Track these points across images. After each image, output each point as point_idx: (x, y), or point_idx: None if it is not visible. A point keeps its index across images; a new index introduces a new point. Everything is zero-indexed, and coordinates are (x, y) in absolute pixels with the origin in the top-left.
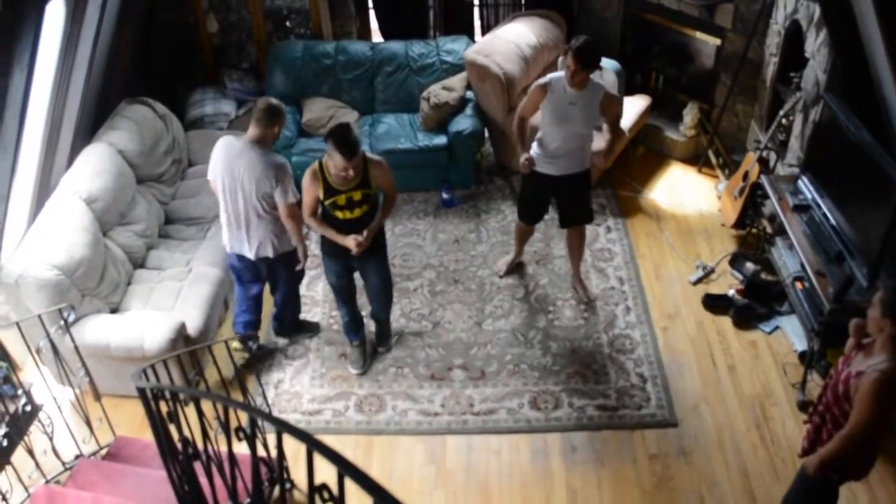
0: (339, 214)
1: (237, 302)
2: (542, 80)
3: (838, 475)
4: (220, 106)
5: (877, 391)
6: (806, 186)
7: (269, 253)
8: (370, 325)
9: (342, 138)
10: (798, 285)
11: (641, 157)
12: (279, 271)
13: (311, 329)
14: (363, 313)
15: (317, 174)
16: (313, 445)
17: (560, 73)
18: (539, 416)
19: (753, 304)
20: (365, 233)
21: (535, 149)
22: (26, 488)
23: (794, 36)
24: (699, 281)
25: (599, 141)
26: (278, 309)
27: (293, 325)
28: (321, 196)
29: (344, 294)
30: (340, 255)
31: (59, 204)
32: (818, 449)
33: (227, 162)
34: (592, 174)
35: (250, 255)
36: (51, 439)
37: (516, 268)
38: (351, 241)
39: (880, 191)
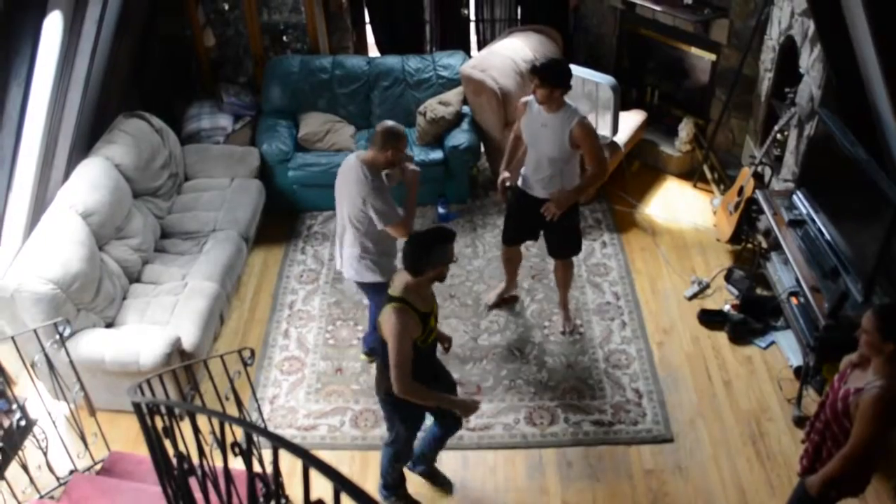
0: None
1: (369, 320)
2: (526, 98)
3: (836, 492)
4: (216, 120)
5: (877, 408)
6: (801, 201)
7: (348, 274)
8: None
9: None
10: (793, 300)
11: (637, 172)
12: (369, 297)
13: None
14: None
15: (408, 311)
16: (309, 461)
17: None
18: (535, 432)
19: (749, 320)
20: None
21: (524, 168)
22: (20, 503)
23: (788, 51)
24: (694, 296)
25: None
26: (368, 331)
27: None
28: (420, 335)
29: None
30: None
31: (55, 218)
32: (818, 468)
33: (339, 176)
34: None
35: (343, 270)
36: (45, 454)
37: (507, 301)
38: (474, 404)
39: (875, 206)
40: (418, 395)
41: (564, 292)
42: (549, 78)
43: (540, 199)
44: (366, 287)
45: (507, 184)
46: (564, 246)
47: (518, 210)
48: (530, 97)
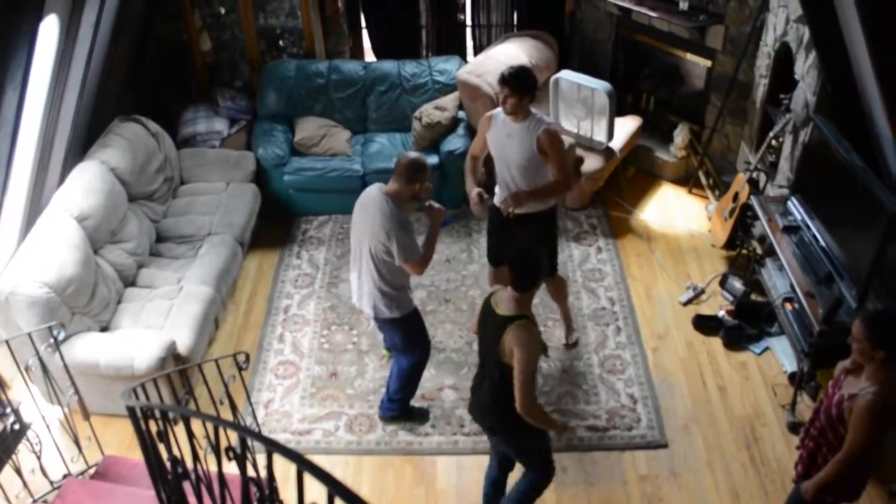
0: None
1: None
2: (490, 112)
3: (832, 497)
4: (212, 124)
5: (871, 414)
6: (795, 207)
7: (367, 310)
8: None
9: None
10: (788, 306)
11: (632, 177)
12: (388, 335)
13: (421, 417)
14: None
15: (533, 327)
16: (304, 465)
17: None
18: None
19: (743, 325)
20: None
21: (496, 186)
22: None
23: (783, 58)
24: (689, 301)
25: (595, 161)
26: (387, 385)
27: (395, 409)
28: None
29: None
30: None
31: (50, 221)
32: (813, 473)
33: (357, 211)
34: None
35: (363, 307)
36: (39, 458)
37: None
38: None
39: (869, 212)
40: (538, 413)
41: (564, 305)
42: (520, 86)
43: (516, 216)
44: (382, 322)
45: (484, 196)
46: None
47: (499, 229)
48: (494, 111)
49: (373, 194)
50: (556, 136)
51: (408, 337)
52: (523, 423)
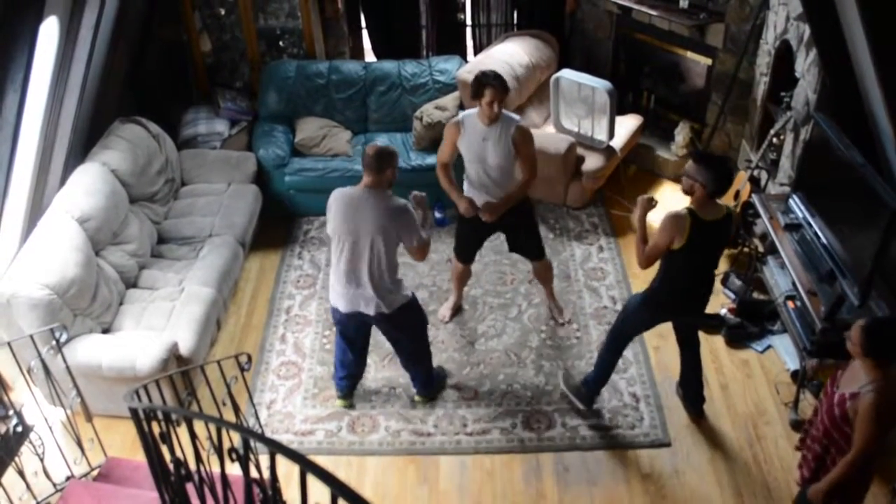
0: None
1: (342, 363)
2: (455, 118)
3: (840, 500)
4: (213, 125)
5: (876, 411)
6: (797, 205)
7: (385, 310)
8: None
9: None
10: (790, 304)
11: (633, 176)
12: (400, 327)
13: (444, 376)
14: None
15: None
16: (306, 466)
17: (472, 111)
18: (532, 436)
19: (745, 323)
20: None
21: (465, 185)
22: None
23: (784, 56)
24: None
25: (596, 160)
26: (412, 373)
27: (432, 382)
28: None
29: None
30: None
31: (51, 223)
32: (821, 476)
33: (345, 213)
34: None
35: (370, 311)
36: (42, 460)
37: (458, 311)
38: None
39: (871, 210)
40: None
41: (549, 287)
42: (505, 86)
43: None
44: (395, 312)
45: (474, 203)
46: (531, 240)
47: (473, 230)
48: (460, 117)
49: (356, 194)
50: (528, 132)
51: (419, 313)
52: None
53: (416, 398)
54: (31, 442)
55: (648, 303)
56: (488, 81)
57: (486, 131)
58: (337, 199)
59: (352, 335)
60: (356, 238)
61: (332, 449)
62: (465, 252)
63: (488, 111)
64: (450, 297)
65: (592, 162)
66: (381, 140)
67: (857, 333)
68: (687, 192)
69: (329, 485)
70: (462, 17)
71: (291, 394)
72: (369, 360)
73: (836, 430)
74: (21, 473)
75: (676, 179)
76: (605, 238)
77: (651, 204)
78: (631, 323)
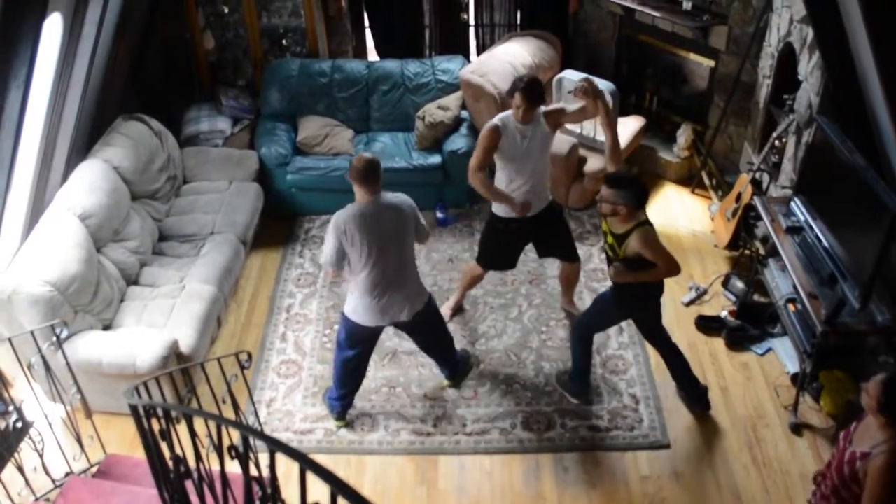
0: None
1: (342, 382)
2: (492, 123)
3: None
4: (215, 123)
5: (887, 475)
6: (799, 208)
7: (421, 306)
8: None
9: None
10: (790, 307)
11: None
12: (430, 319)
13: (467, 357)
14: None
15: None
16: (306, 464)
17: (507, 113)
18: (531, 437)
19: (746, 326)
20: None
21: (517, 195)
22: None
23: (787, 58)
24: (692, 302)
25: (598, 161)
26: (442, 361)
27: (459, 364)
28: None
29: None
30: None
31: (53, 220)
32: None
33: (369, 228)
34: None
35: (404, 316)
36: (41, 456)
37: (459, 311)
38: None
39: (873, 213)
40: None
41: (572, 292)
42: (533, 97)
43: (532, 218)
44: (426, 306)
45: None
46: (567, 243)
47: (506, 238)
48: (498, 122)
49: (366, 208)
50: (556, 110)
51: (434, 300)
52: None
53: (446, 384)
54: (30, 438)
55: (618, 300)
56: (518, 89)
57: (525, 129)
58: (349, 220)
59: (370, 350)
60: (386, 245)
61: (331, 448)
62: (490, 260)
63: (516, 113)
64: (451, 296)
65: (594, 163)
66: (384, 139)
67: (876, 388)
68: (610, 214)
69: (329, 483)
70: (465, 16)
71: (291, 392)
72: (369, 360)
73: (846, 489)
74: (20, 469)
75: (678, 181)
76: None
77: (592, 87)
78: (601, 319)
